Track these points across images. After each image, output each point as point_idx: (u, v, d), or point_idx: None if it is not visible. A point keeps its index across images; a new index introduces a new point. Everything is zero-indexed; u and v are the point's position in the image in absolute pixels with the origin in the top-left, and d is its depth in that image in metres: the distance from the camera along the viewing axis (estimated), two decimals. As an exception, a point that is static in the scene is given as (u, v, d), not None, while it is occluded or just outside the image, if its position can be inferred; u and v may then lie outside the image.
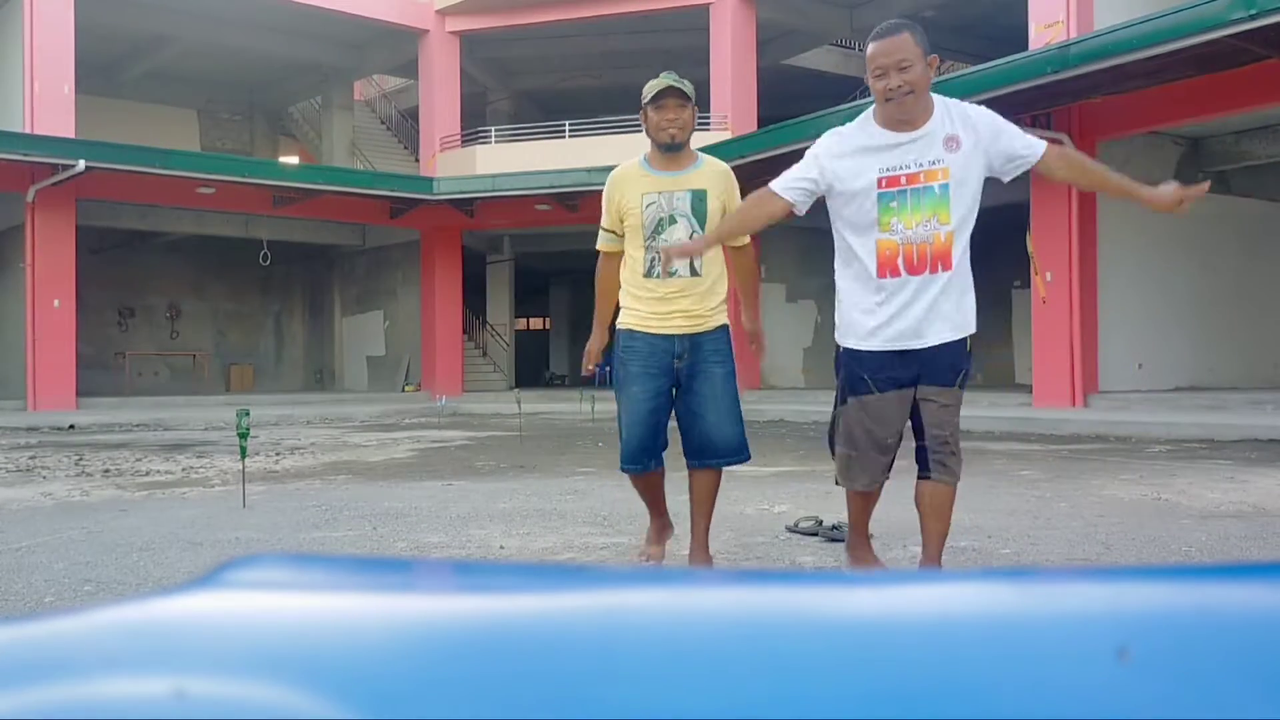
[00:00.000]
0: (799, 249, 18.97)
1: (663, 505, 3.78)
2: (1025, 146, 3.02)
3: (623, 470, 3.65)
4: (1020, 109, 12.77)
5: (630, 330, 3.56)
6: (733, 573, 2.52)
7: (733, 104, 19.43)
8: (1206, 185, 2.93)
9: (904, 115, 2.94)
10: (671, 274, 3.45)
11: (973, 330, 3.07)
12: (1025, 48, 13.59)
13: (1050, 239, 13.47)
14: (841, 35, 22.41)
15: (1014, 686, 0.42)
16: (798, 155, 3.26)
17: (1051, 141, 3.11)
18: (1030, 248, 13.68)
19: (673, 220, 3.48)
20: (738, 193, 3.57)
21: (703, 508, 3.61)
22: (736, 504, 5.36)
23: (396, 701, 0.42)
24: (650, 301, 3.52)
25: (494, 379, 22.86)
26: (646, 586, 0.56)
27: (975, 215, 3.04)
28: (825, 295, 17.85)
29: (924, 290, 2.97)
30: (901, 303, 2.98)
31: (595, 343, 3.77)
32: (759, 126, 18.53)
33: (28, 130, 16.68)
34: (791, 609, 0.50)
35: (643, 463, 3.59)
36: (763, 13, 19.98)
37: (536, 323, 33.40)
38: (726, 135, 18.37)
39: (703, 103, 20.46)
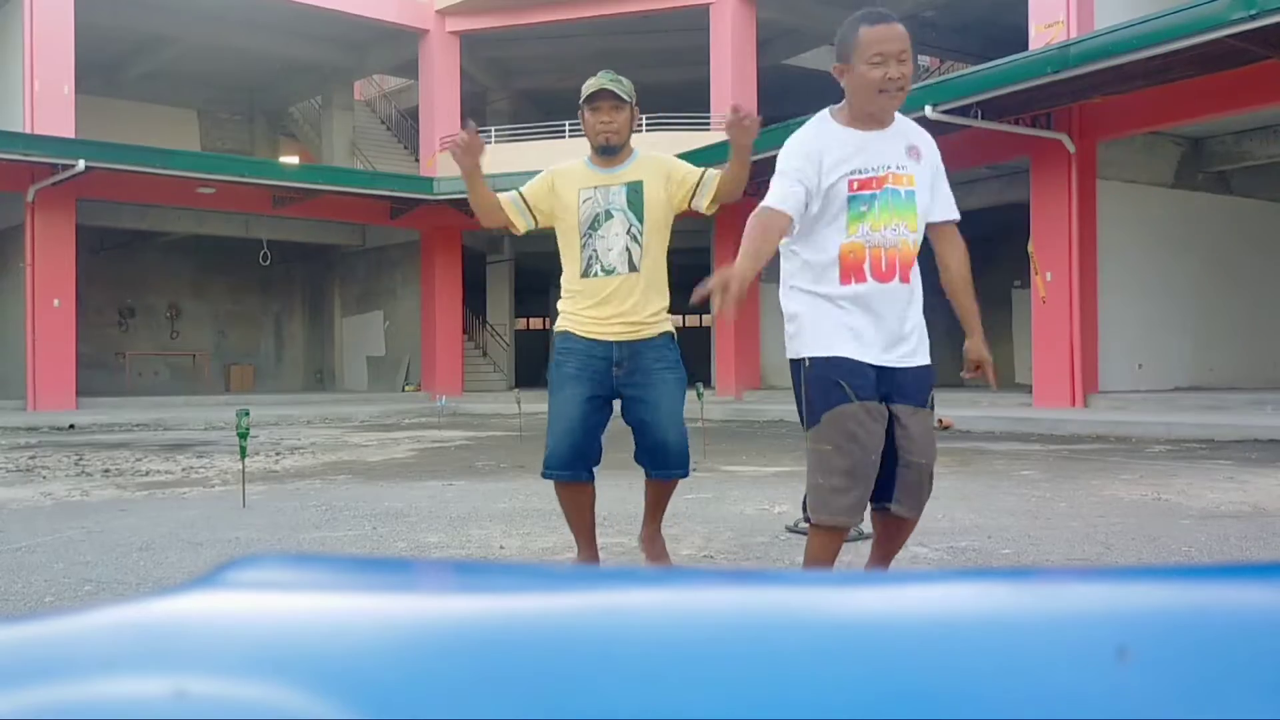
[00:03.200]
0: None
1: (592, 534, 3.48)
2: (947, 208, 2.81)
3: (545, 476, 3.38)
4: (1020, 109, 12.78)
5: (567, 332, 3.38)
6: (733, 573, 2.52)
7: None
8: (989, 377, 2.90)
9: (887, 113, 2.67)
10: (609, 272, 3.30)
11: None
12: (1025, 48, 13.59)
13: (1050, 239, 13.47)
14: (842, 35, 22.39)
15: (1014, 686, 0.42)
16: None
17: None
18: (1030, 249, 13.69)
19: (609, 215, 3.33)
20: (679, 164, 3.41)
21: (658, 506, 3.54)
22: (736, 504, 5.36)
23: (396, 701, 0.42)
24: (588, 304, 3.33)
25: (494, 379, 22.86)
26: (646, 586, 0.56)
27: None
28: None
29: (891, 298, 2.68)
30: (866, 308, 2.69)
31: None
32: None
33: (28, 130, 16.70)
34: (791, 609, 0.50)
35: (571, 469, 3.32)
36: (763, 13, 19.98)
37: (536, 323, 33.39)
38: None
39: (703, 103, 20.50)
